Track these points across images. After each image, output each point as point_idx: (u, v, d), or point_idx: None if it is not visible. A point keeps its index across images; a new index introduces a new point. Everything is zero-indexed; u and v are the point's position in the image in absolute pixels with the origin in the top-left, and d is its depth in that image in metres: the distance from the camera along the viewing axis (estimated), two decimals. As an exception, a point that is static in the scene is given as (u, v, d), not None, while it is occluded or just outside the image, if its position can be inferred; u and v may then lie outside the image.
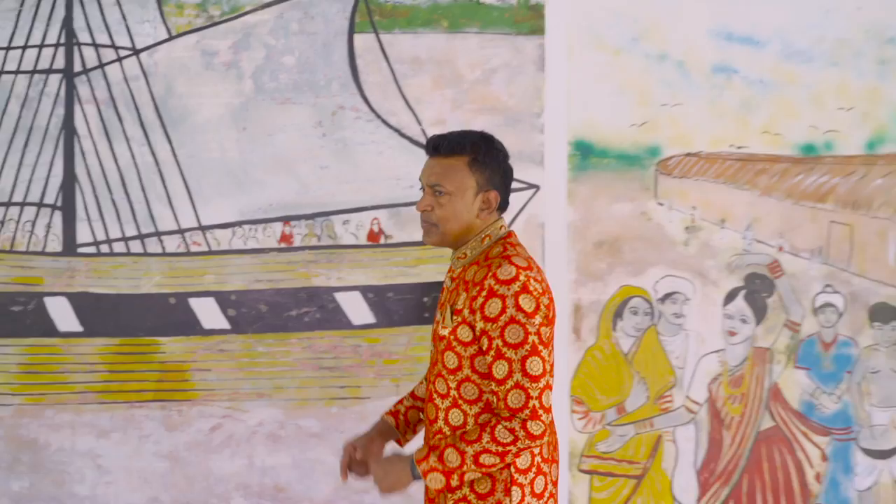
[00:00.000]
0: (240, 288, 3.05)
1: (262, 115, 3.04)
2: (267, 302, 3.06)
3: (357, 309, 3.07)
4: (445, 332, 1.92)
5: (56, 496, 3.05)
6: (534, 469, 1.92)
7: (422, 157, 2.94)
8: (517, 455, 1.85)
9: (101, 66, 3.03)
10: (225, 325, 3.06)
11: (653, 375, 3.09)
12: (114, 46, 3.03)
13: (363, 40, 3.04)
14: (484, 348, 1.86)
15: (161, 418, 3.05)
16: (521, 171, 3.00)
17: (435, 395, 1.95)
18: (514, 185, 2.97)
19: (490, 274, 1.86)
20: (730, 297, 3.13)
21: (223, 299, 3.05)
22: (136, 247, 3.04)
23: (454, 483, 1.85)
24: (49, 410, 3.05)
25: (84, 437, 3.05)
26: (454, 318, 1.90)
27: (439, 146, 1.97)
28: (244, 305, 3.05)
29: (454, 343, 1.91)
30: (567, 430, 3.07)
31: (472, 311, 1.86)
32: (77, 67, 3.04)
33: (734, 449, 3.12)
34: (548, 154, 3.07)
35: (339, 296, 3.07)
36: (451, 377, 1.92)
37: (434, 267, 3.05)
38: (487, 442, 1.83)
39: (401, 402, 2.21)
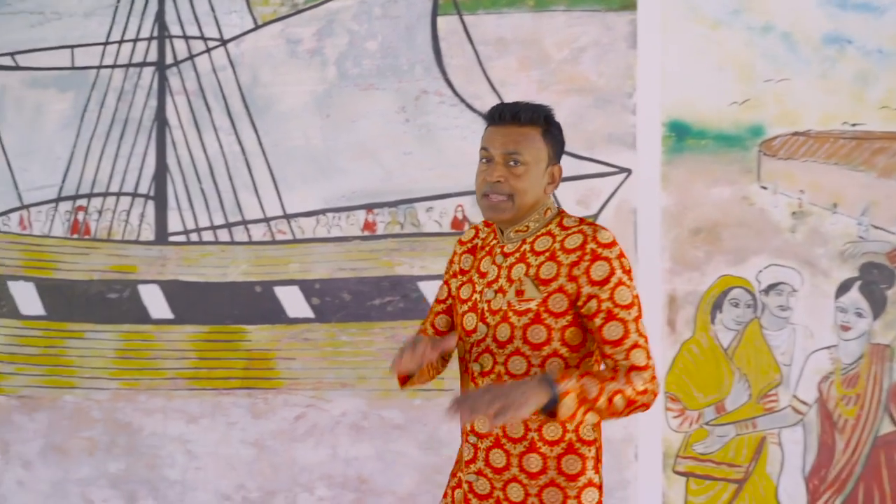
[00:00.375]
0: (323, 276, 3.03)
1: (345, 101, 3.01)
2: (350, 291, 3.02)
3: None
4: (532, 305, 1.82)
5: (149, 479, 3.12)
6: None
7: None
8: (640, 408, 1.79)
9: (191, 57, 3.08)
10: (309, 313, 3.05)
11: (755, 372, 2.86)
12: (203, 38, 3.07)
13: (446, 22, 2.96)
14: (591, 312, 1.79)
15: (247, 406, 3.07)
16: (611, 154, 2.87)
17: (506, 378, 1.83)
18: (605, 168, 2.89)
19: (591, 238, 1.81)
20: (843, 288, 2.86)
21: (307, 288, 3.04)
22: (223, 235, 3.08)
23: (579, 416, 1.73)
24: (142, 395, 3.12)
25: (174, 423, 3.10)
26: (541, 288, 1.82)
27: (518, 114, 1.86)
28: (328, 294, 3.03)
29: (544, 315, 1.82)
30: (661, 429, 2.89)
31: (573, 278, 1.80)
32: (168, 60, 3.10)
33: (848, 455, 2.85)
34: (640, 136, 2.89)
35: (422, 285, 3.00)
36: (536, 353, 1.83)
37: (519, 255, 2.94)
38: (625, 384, 1.76)
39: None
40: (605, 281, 1.80)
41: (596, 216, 2.89)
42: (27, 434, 3.19)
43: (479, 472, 1.88)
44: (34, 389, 3.17)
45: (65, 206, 3.15)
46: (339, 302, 3.02)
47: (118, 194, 3.12)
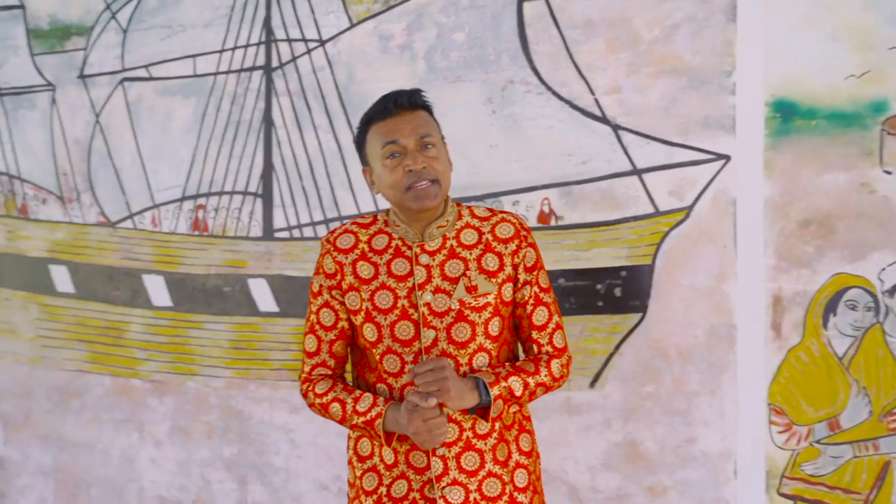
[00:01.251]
0: (412, 272, 3.01)
1: (434, 95, 2.89)
2: (439, 287, 2.99)
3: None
4: (490, 299, 1.84)
5: (257, 465, 3.27)
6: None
7: (594, 130, 2.73)
8: (552, 390, 1.91)
9: (294, 59, 3.19)
10: (400, 309, 3.04)
11: (877, 386, 2.48)
12: (304, 40, 3.17)
13: (532, 8, 2.84)
14: (524, 299, 1.89)
15: (344, 399, 3.12)
16: (708, 140, 2.62)
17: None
18: (699, 156, 2.63)
19: (520, 226, 1.92)
20: None
21: (398, 283, 3.04)
22: (322, 231, 3.15)
23: (504, 413, 1.84)
24: (252, 384, 3.27)
25: (279, 412, 3.22)
26: (492, 280, 1.85)
27: (412, 98, 1.88)
28: (417, 290, 3.01)
29: (500, 307, 1.87)
30: (764, 444, 2.58)
31: (515, 266, 1.88)
32: (274, 63, 3.22)
33: None
34: (740, 118, 2.60)
35: (508, 281, 2.90)
36: (494, 345, 1.87)
37: (609, 251, 2.75)
38: (545, 375, 1.86)
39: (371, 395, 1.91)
40: (535, 267, 1.92)
41: (690, 208, 2.64)
42: (157, 416, 3.45)
43: (453, 483, 1.83)
44: (164, 375, 3.43)
45: (188, 205, 3.37)
46: (428, 298, 2.99)
47: (231, 193, 3.29)
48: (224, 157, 3.30)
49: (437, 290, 1.82)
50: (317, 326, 1.93)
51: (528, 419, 1.97)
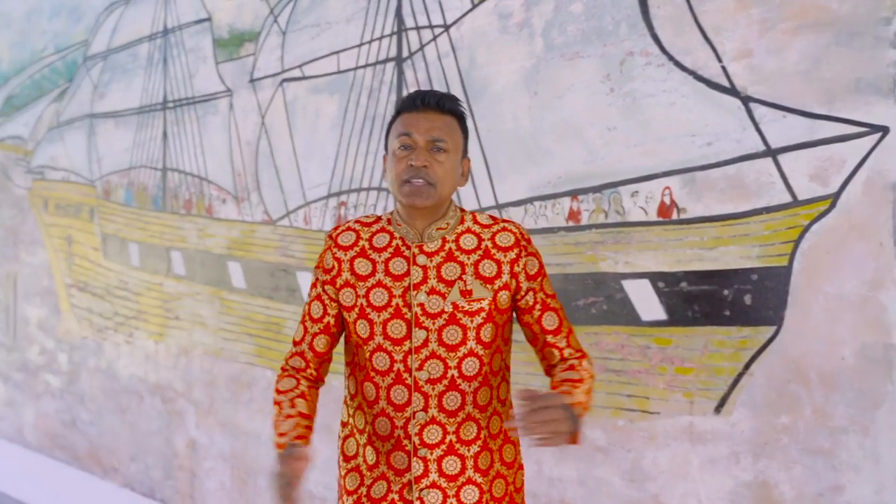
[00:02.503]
0: (529, 272, 2.73)
1: (551, 75, 2.67)
2: (557, 289, 2.67)
3: (646, 301, 2.47)
4: (484, 305, 1.83)
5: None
6: None
7: (721, 104, 2.30)
8: None
9: (422, 48, 3.04)
10: (517, 312, 2.78)
11: None
12: (430, 26, 3.01)
13: (653, -34, 2.44)
14: (529, 305, 1.89)
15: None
16: (859, 108, 2.11)
17: (460, 381, 1.83)
18: (849, 129, 2.09)
19: (520, 236, 1.90)
20: None
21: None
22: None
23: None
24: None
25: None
26: (488, 287, 1.84)
27: (441, 101, 1.85)
28: (534, 292, 2.72)
29: (495, 314, 1.85)
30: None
31: (514, 275, 1.87)
32: (405, 53, 3.10)
33: None
34: (902, 78, 2.02)
35: (626, 284, 2.51)
36: (486, 351, 1.86)
37: (737, 249, 2.28)
38: (588, 377, 1.85)
39: (300, 426, 1.87)
40: (538, 274, 1.91)
41: (837, 196, 2.10)
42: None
43: (432, 485, 1.82)
44: (313, 371, 3.45)
45: (332, 202, 3.36)
46: (545, 301, 2.69)
47: (367, 189, 3.23)
48: (362, 153, 3.25)
49: (431, 292, 1.83)
50: (306, 317, 1.96)
51: (515, 429, 1.92)
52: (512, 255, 1.86)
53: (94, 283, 4.67)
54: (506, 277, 1.85)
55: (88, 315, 4.73)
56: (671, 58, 2.40)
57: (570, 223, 2.63)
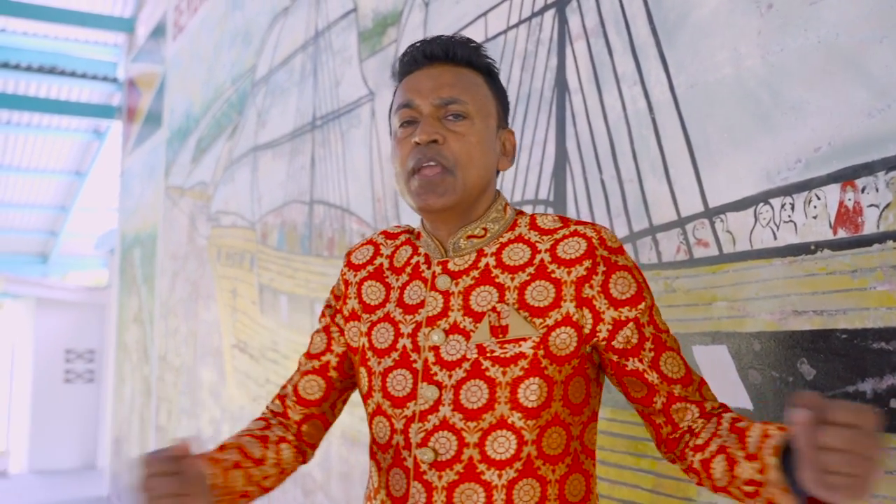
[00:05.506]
0: (770, 328, 1.50)
1: (799, -30, 1.47)
2: (797, 358, 1.42)
3: None
4: (526, 349, 1.20)
5: None
6: None
7: None
8: None
9: (591, -23, 1.96)
10: (748, 403, 1.54)
11: None
12: (603, -58, 1.92)
13: None
14: (633, 344, 1.22)
15: None
16: None
17: (482, 469, 1.19)
18: None
19: (598, 241, 1.25)
20: None
21: (743, 348, 1.55)
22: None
23: None
24: None
25: None
26: (535, 322, 1.21)
27: (451, 48, 1.29)
28: (803, 361, 1.48)
29: (545, 363, 1.21)
30: None
31: (584, 302, 1.22)
32: (569, -8, 2.04)
33: None
34: None
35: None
36: (529, 423, 1.20)
37: None
38: None
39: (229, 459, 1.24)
40: (637, 299, 1.24)
41: None
42: None
43: None
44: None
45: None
46: (810, 379, 1.44)
47: (520, 203, 2.16)
48: (524, 148, 2.20)
49: (452, 329, 1.25)
50: (307, 351, 1.44)
51: (591, 454, 1.28)
52: (580, 270, 1.22)
53: (251, 343, 3.97)
54: (568, 307, 1.21)
55: (246, 380, 4.02)
56: None
57: (842, 232, 1.38)
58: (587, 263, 1.23)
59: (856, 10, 1.37)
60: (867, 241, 1.34)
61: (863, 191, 1.35)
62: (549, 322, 1.22)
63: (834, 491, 0.86)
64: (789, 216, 1.47)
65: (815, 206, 1.43)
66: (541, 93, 2.10)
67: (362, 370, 1.34)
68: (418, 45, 1.32)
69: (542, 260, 1.26)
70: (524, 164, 2.15)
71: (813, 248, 1.43)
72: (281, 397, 1.41)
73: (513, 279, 1.26)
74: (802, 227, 1.45)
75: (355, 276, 1.39)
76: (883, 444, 1.09)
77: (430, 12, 2.60)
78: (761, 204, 1.52)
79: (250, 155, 4.12)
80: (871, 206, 1.34)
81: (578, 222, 1.29)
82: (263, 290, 3.84)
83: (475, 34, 2.36)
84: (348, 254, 1.44)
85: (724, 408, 1.24)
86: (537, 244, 1.27)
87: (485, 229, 1.31)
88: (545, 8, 2.11)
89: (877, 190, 1.33)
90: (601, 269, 1.23)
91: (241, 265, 4.17)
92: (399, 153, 1.29)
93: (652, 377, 1.22)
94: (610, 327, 1.22)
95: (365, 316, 1.35)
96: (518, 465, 1.21)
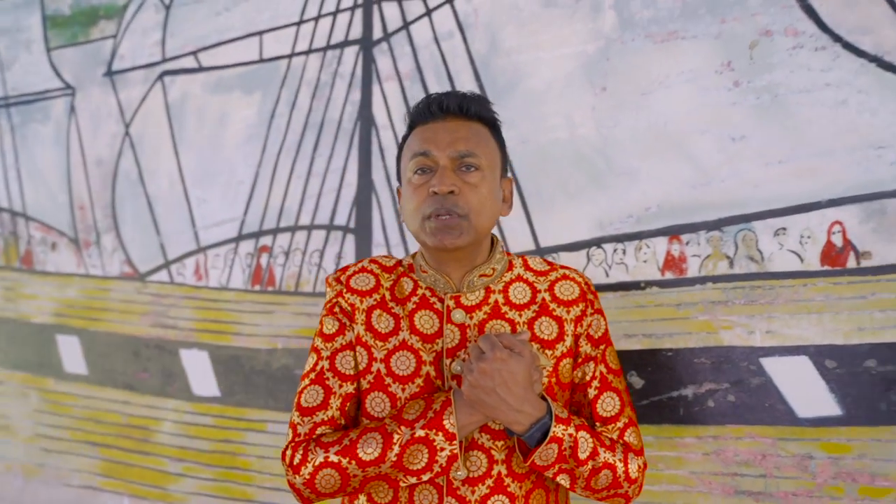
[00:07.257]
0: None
1: (630, 64, 1.87)
2: (643, 374, 1.83)
3: (805, 388, 1.68)
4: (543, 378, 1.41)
5: None
6: None
7: None
8: (618, 498, 1.41)
9: (406, 25, 2.13)
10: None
11: None
12: (421, -4, 2.12)
13: (802, -87, 1.74)
14: (585, 380, 1.44)
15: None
16: None
17: (508, 483, 1.36)
18: None
19: (586, 287, 1.49)
20: None
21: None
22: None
23: (550, 472, 1.34)
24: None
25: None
26: (546, 353, 1.41)
27: (466, 103, 1.43)
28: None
29: (556, 389, 1.42)
30: None
31: (576, 337, 1.44)
32: (377, 34, 2.18)
33: None
34: None
35: (769, 363, 1.72)
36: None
37: (963, 311, 1.56)
38: (620, 460, 1.39)
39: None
40: (602, 340, 1.47)
41: None
42: (195, 562, 2.33)
43: None
44: (206, 499, 2.32)
45: (246, 247, 2.31)
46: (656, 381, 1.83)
47: (309, 227, 2.23)
48: (300, 175, 2.25)
49: None
50: (327, 374, 1.43)
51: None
52: (576, 310, 1.45)
53: None
54: (569, 341, 1.43)
55: None
56: (838, 38, 1.69)
57: (669, 275, 1.81)
58: (581, 305, 1.46)
59: (684, 107, 1.80)
60: (690, 282, 1.78)
61: (687, 244, 1.79)
62: (557, 353, 1.43)
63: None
64: (621, 259, 1.85)
65: (645, 253, 1.83)
66: (338, 123, 2.19)
67: (378, 396, 1.41)
68: (434, 96, 1.44)
69: (543, 299, 1.46)
70: (315, 191, 2.22)
71: (643, 285, 1.83)
72: (327, 422, 1.40)
73: (520, 315, 1.45)
74: (633, 268, 1.84)
75: (361, 301, 1.45)
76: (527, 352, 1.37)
77: (174, 16, 2.47)
78: (594, 247, 1.88)
79: None
80: (695, 255, 1.78)
81: (563, 266, 1.52)
82: None
83: (248, 51, 2.34)
84: (345, 280, 1.46)
85: (625, 446, 1.44)
86: (535, 284, 1.47)
87: (493, 269, 1.47)
88: (345, 43, 2.21)
89: (699, 244, 1.78)
90: (590, 311, 1.47)
91: None
92: (415, 198, 1.40)
93: (587, 412, 1.45)
94: (580, 361, 1.45)
95: (379, 343, 1.42)
96: (530, 481, 1.41)
